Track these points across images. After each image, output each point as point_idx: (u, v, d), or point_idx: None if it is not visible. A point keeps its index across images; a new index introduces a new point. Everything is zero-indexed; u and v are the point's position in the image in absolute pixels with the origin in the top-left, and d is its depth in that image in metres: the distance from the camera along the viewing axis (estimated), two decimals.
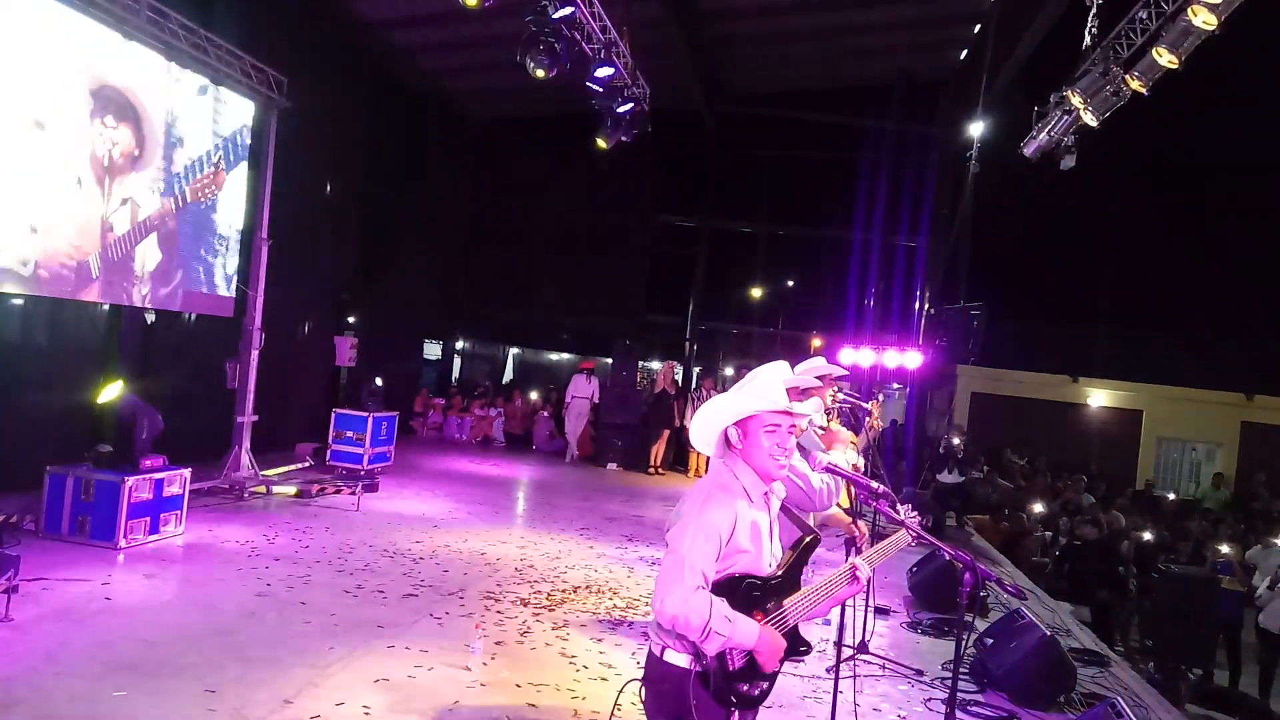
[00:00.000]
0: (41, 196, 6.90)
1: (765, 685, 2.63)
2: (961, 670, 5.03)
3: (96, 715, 4.05)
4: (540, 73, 8.51)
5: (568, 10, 8.28)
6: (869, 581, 2.83)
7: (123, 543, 6.63)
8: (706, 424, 2.71)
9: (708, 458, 2.87)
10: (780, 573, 2.69)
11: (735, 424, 2.67)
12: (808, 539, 2.76)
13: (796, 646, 2.71)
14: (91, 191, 7.38)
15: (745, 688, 2.55)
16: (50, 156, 6.95)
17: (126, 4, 7.38)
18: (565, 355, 21.19)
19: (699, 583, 2.47)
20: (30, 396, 8.10)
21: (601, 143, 10.75)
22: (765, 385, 2.69)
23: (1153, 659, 8.76)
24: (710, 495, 2.60)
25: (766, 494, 2.72)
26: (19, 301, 7.91)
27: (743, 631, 2.48)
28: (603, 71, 9.69)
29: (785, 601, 2.65)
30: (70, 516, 6.67)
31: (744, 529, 2.59)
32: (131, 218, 7.88)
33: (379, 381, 11.37)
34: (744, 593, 2.57)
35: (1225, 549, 10.78)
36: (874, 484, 3.07)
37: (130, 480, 6.67)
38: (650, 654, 2.65)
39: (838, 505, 4.85)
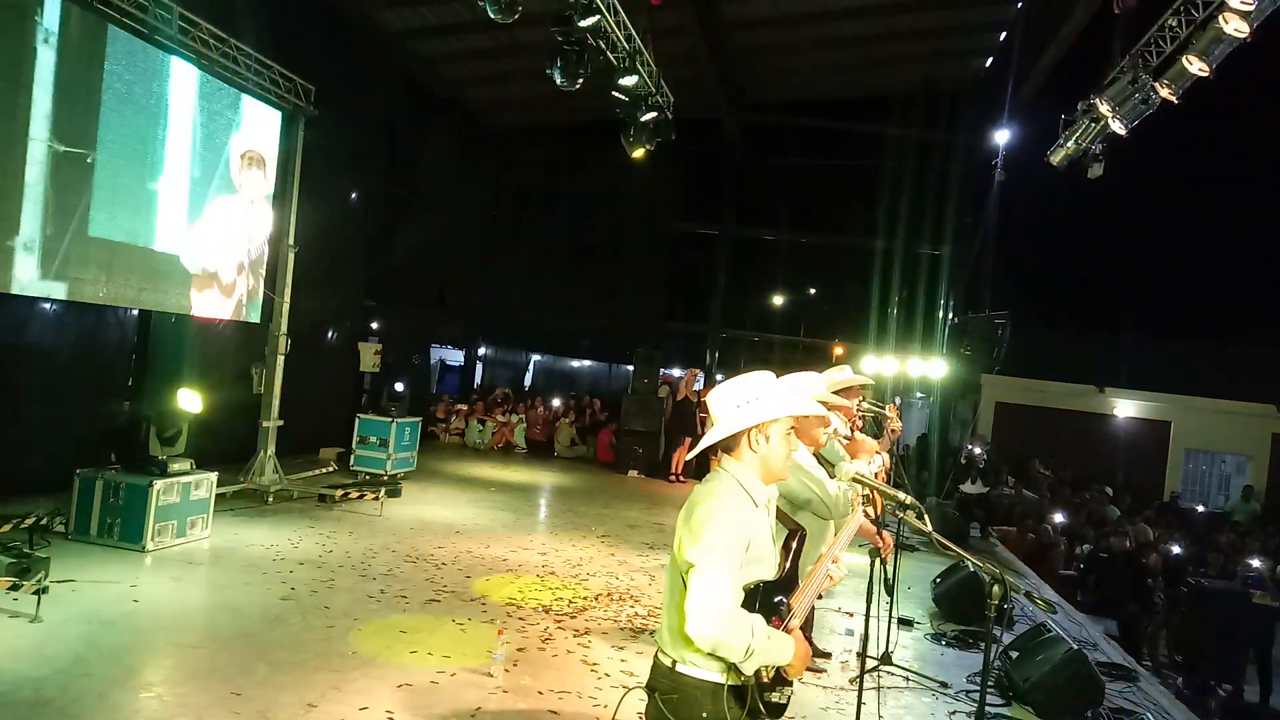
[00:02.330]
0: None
1: (790, 692, 2.61)
2: (988, 683, 4.98)
3: (124, 716, 4.08)
4: (565, 82, 8.53)
5: (593, 19, 8.31)
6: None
7: (150, 545, 6.70)
8: (735, 419, 2.61)
9: None
10: (784, 574, 2.67)
11: (758, 428, 2.61)
12: (796, 535, 2.74)
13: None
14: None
15: (776, 697, 2.54)
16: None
17: (159, 14, 7.50)
18: (586, 362, 21.24)
19: (734, 602, 2.43)
20: (60, 400, 8.23)
21: (638, 153, 10.72)
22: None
23: (1182, 674, 8.63)
24: (726, 507, 2.53)
25: (769, 498, 2.70)
26: (50, 306, 8.04)
27: (780, 646, 2.46)
28: (627, 80, 9.71)
29: (792, 602, 2.63)
30: (99, 519, 6.76)
31: (758, 537, 2.57)
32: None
33: (401, 387, 11.44)
34: (764, 601, 2.54)
35: (1256, 563, 10.61)
36: (901, 495, 3.04)
37: (158, 484, 6.75)
38: (659, 665, 2.60)
39: (864, 513, 4.81)
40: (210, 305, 8.95)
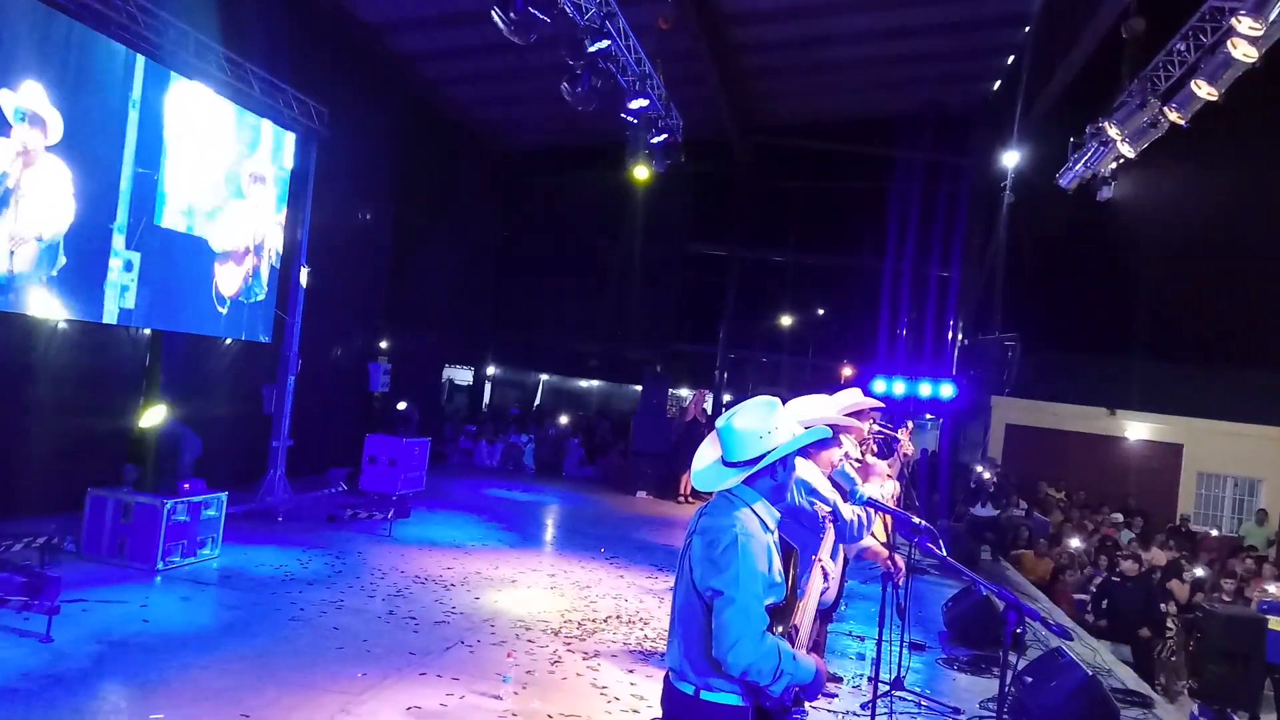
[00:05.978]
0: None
1: (806, 716, 2.62)
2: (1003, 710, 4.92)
3: None
4: (575, 105, 8.61)
5: (604, 44, 8.39)
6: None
7: (160, 565, 6.71)
8: (759, 445, 2.61)
9: None
10: (788, 595, 2.69)
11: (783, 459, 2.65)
12: (794, 553, 2.75)
13: None
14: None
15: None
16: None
17: (174, 39, 7.61)
18: (595, 382, 21.25)
19: (763, 627, 2.45)
20: (71, 419, 8.26)
21: (642, 173, 10.78)
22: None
23: (1197, 700, 8.52)
24: (748, 535, 2.54)
25: (777, 520, 2.71)
26: (62, 325, 8.09)
27: (804, 667, 2.49)
28: (637, 103, 9.78)
29: (796, 622, 2.66)
30: (110, 538, 6.78)
31: (774, 561, 2.59)
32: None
33: (411, 407, 11.45)
34: (774, 622, 2.55)
35: (1271, 588, 10.48)
36: (914, 519, 3.04)
37: (169, 504, 6.76)
38: (678, 693, 2.58)
39: (872, 536, 4.79)
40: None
